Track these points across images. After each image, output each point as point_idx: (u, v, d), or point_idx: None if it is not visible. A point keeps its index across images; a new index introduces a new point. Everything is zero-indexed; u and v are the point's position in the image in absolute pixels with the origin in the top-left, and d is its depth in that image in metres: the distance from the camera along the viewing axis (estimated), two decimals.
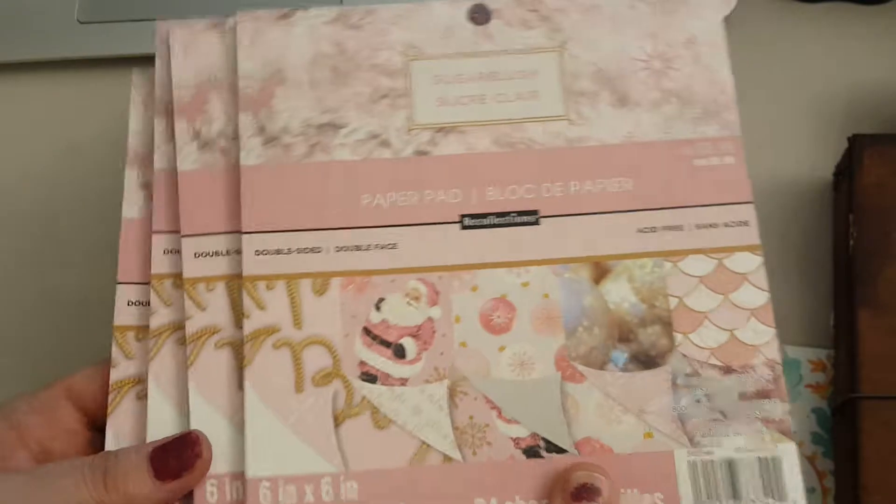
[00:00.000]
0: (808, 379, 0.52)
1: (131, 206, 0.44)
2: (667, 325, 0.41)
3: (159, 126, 0.44)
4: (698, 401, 0.40)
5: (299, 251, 0.41)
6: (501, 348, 0.41)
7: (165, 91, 0.44)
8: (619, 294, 0.41)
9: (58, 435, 0.42)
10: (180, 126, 0.43)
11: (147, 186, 0.44)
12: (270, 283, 0.41)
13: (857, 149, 0.51)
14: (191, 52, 0.45)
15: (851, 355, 0.45)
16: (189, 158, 0.43)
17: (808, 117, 0.56)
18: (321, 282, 0.41)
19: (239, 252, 0.42)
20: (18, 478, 0.38)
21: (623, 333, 0.41)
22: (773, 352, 0.41)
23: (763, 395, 0.40)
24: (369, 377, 0.40)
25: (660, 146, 0.43)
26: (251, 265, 0.41)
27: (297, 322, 0.41)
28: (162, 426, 0.40)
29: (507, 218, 0.42)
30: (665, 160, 0.43)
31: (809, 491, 0.49)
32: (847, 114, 0.56)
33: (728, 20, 0.53)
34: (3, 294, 0.57)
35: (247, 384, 0.40)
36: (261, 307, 0.41)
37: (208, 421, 0.40)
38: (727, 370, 0.40)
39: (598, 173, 0.43)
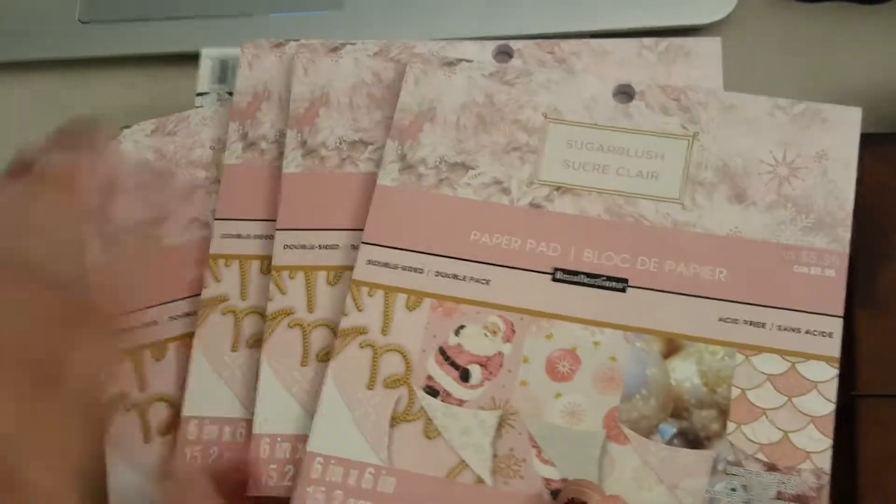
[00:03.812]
0: None
1: None
2: (723, 411, 0.42)
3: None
4: (733, 489, 0.41)
5: (404, 268, 0.46)
6: (558, 395, 0.43)
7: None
8: (684, 373, 0.43)
9: None
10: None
11: None
12: (372, 290, 0.46)
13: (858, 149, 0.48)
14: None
15: (850, 355, 0.44)
16: (294, 161, 0.49)
17: None
18: (415, 299, 0.46)
19: (319, 247, 0.48)
20: None
21: (677, 409, 0.42)
22: (824, 461, 0.41)
23: (802, 500, 0.40)
24: (432, 391, 0.44)
25: (764, 246, 0.44)
26: (362, 271, 0.46)
27: (386, 329, 0.45)
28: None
29: (597, 280, 0.45)
30: (765, 259, 0.44)
31: None
32: None
33: (728, 21, 0.55)
34: None
35: (329, 374, 0.45)
36: (359, 309, 0.46)
37: (273, 389, 0.46)
38: (771, 468, 0.41)
39: (696, 259, 0.44)
